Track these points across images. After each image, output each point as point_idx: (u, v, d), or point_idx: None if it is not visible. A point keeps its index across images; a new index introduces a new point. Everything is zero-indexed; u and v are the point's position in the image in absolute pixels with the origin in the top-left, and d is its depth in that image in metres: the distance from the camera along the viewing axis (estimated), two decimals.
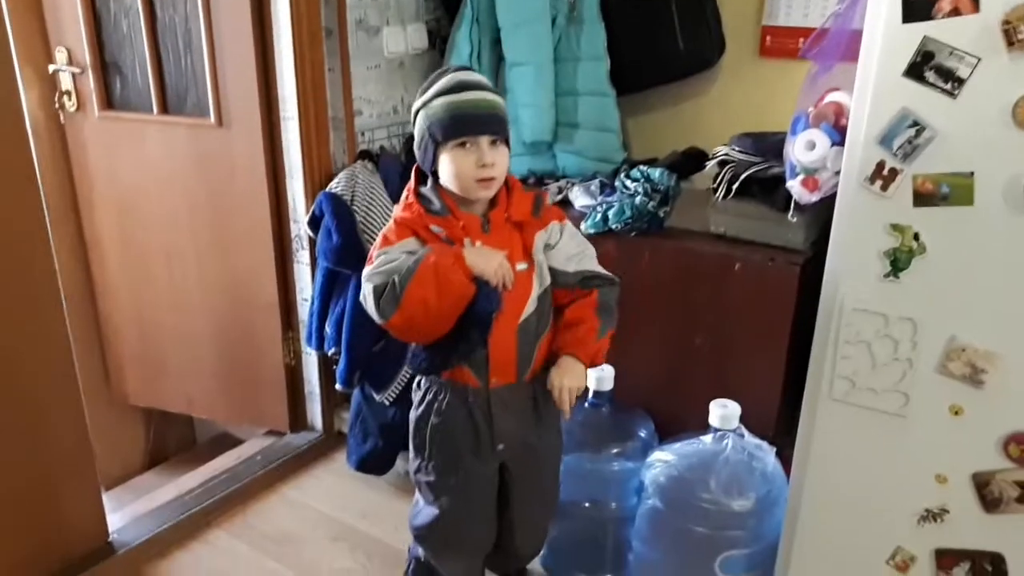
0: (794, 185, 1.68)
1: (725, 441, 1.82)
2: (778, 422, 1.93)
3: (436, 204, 1.49)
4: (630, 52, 2.31)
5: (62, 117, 2.56)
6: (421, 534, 1.81)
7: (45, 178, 2.62)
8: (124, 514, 2.38)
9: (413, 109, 1.51)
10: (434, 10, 2.64)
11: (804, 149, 1.62)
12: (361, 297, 1.50)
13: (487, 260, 1.42)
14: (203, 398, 2.74)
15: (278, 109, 2.32)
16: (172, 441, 3.18)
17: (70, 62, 2.48)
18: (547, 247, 1.56)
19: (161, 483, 2.74)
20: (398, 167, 2.48)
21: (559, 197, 2.24)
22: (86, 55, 2.44)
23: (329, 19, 2.30)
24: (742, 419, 1.83)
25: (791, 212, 1.78)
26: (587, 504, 2.06)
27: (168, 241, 2.58)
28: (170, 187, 2.51)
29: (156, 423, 3.09)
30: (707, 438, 1.84)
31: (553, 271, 1.56)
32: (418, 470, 1.71)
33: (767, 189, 1.86)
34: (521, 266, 1.52)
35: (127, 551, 2.20)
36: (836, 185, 1.54)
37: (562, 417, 1.64)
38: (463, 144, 1.44)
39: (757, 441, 1.83)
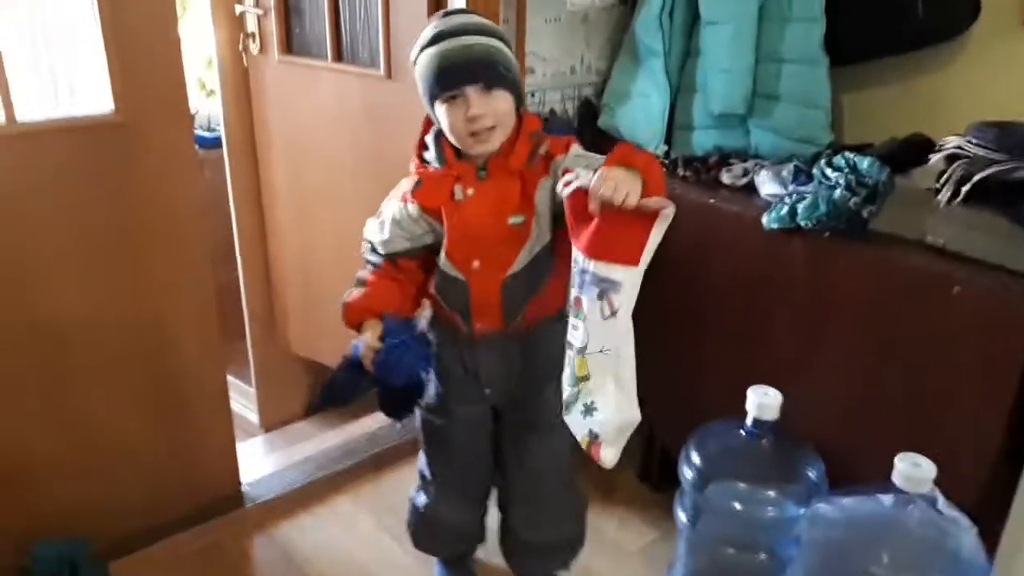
0: None
1: (911, 506, 1.47)
2: (985, 491, 1.54)
3: (432, 153, 1.50)
4: (852, 14, 1.90)
5: (245, 60, 2.58)
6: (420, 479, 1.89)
7: (229, 119, 2.67)
8: (262, 465, 2.42)
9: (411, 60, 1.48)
10: None
11: None
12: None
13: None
14: None
15: None
16: None
17: (256, 3, 2.47)
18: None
19: (314, 433, 2.79)
20: (568, 133, 2.26)
21: (743, 181, 1.92)
22: None
23: None
24: (937, 482, 1.47)
25: None
26: (731, 551, 1.78)
27: (334, 190, 2.55)
28: (338, 136, 2.47)
29: (318, 373, 3.12)
30: (888, 498, 1.50)
31: None
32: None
33: (1011, 197, 1.45)
34: (515, 219, 1.48)
35: (255, 506, 2.23)
36: None
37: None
38: (452, 97, 1.41)
39: (953, 512, 1.46)
